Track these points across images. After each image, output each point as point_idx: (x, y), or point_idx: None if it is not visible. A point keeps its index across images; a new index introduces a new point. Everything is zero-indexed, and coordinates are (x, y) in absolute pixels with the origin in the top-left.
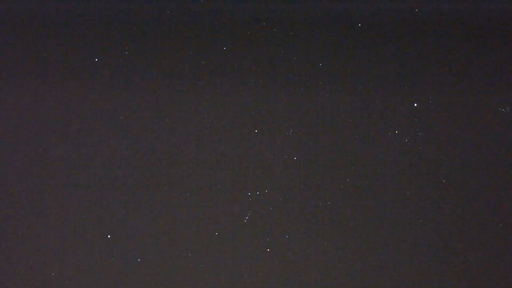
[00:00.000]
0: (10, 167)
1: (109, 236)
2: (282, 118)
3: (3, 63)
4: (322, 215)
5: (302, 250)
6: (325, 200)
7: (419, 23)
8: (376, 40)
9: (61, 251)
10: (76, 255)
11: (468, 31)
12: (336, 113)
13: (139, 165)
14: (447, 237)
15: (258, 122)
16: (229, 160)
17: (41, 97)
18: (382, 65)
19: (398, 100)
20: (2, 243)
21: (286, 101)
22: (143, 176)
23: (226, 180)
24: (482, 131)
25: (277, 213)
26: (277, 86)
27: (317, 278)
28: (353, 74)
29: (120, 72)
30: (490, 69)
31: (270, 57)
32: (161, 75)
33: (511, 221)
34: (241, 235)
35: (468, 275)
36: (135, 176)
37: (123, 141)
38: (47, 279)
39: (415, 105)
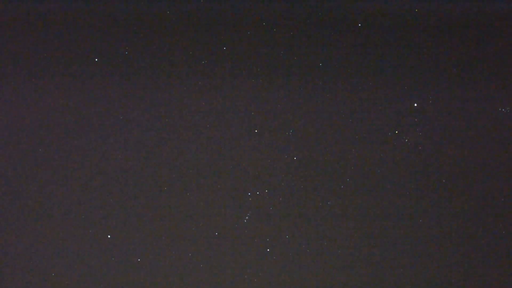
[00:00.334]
0: (10, 167)
1: (109, 236)
2: (282, 118)
3: (3, 63)
4: (322, 215)
5: (302, 250)
6: (325, 200)
7: (419, 23)
8: (376, 40)
9: (61, 251)
10: (76, 255)
11: (468, 31)
12: (336, 113)
13: (139, 165)
14: (447, 237)
15: (258, 122)
16: (229, 160)
17: (41, 97)
18: (382, 65)
19: (398, 100)
20: (2, 243)
21: (286, 101)
22: (143, 176)
23: (226, 180)
24: (482, 131)
25: (277, 213)
26: (277, 86)
27: (317, 278)
28: (353, 74)
29: (120, 72)
30: (490, 69)
31: (270, 57)
32: (161, 75)
33: (511, 221)
34: (241, 235)
35: (468, 275)
36: (135, 176)
37: (123, 141)
38: (47, 279)
39: (415, 105)
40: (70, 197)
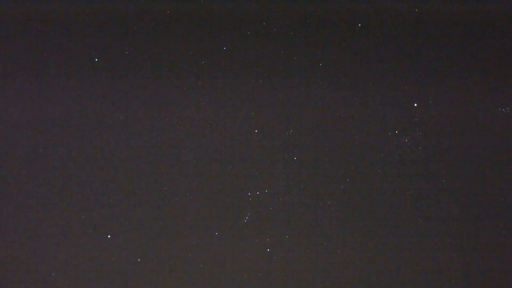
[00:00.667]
0: (10, 167)
1: (109, 236)
2: (282, 118)
3: (3, 63)
4: (322, 215)
5: (302, 250)
6: (325, 200)
7: (419, 23)
8: (376, 40)
9: (61, 251)
10: (76, 255)
11: (468, 31)
12: (336, 113)
13: (139, 165)
14: (447, 237)
15: (258, 122)
16: (229, 160)
17: (41, 97)
18: (382, 65)
19: (398, 100)
20: (2, 243)
21: (286, 101)
22: (143, 176)
23: (226, 180)
24: (482, 131)
25: (277, 213)
26: (277, 85)
27: (317, 278)
28: (353, 74)
29: (120, 72)
30: (490, 69)
31: (270, 57)
32: (161, 75)
33: (511, 221)
34: (241, 235)
35: (468, 275)
36: (135, 176)
37: (123, 141)
38: (47, 279)
39: (415, 105)
40: (70, 197)
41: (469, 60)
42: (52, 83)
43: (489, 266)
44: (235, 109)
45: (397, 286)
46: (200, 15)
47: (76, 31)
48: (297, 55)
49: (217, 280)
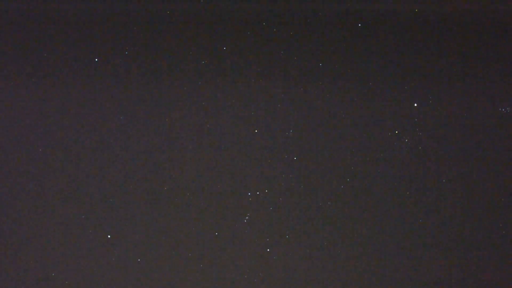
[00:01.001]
0: (10, 167)
1: (109, 236)
2: (282, 118)
3: (3, 63)
4: (322, 215)
5: (302, 250)
6: (325, 200)
7: (419, 23)
8: (376, 40)
9: (61, 251)
10: (76, 255)
11: (468, 31)
12: (336, 113)
13: (139, 165)
14: (447, 237)
15: (258, 122)
16: (229, 160)
17: (41, 97)
18: (382, 65)
19: (398, 100)
20: (2, 243)
21: (286, 101)
22: (143, 176)
23: (226, 180)
24: (482, 131)
25: (277, 213)
26: (277, 85)
27: (317, 278)
28: (353, 74)
29: (120, 72)
30: (490, 69)
31: (270, 57)
32: (161, 75)
33: (511, 221)
34: (241, 235)
35: (468, 275)
36: (135, 176)
37: (123, 141)
38: (47, 279)
39: (415, 105)
40: (70, 197)
41: (469, 60)
42: (52, 83)
43: (489, 266)
44: (235, 109)
45: (397, 286)
46: (200, 15)
47: (76, 31)
48: (297, 55)
49: (217, 280)
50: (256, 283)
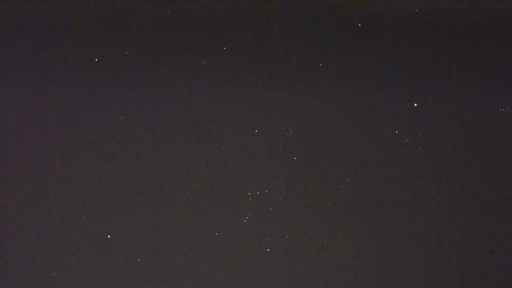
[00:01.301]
0: (10, 167)
1: (109, 236)
2: (282, 118)
3: (3, 63)
4: (322, 215)
5: (302, 250)
6: (325, 200)
7: (419, 23)
8: (376, 40)
9: (61, 251)
10: (76, 255)
11: (468, 31)
12: (336, 113)
13: (139, 165)
14: (447, 237)
15: (258, 122)
16: (229, 160)
17: (41, 97)
18: (382, 65)
19: (398, 100)
20: (2, 243)
21: (286, 101)
22: (143, 176)
23: (226, 180)
24: (482, 131)
25: (277, 213)
26: (277, 85)
27: (317, 278)
28: (353, 74)
29: (120, 72)
30: (490, 69)
31: (270, 57)
32: (161, 75)
33: (511, 221)
34: (241, 235)
35: (468, 275)
36: (135, 176)
37: (123, 141)
38: (47, 279)
39: (415, 105)
40: (70, 197)
41: (469, 60)
42: (52, 83)
43: (489, 266)
44: (235, 109)
45: (397, 286)
46: (200, 15)
47: (76, 31)
48: (297, 55)
49: (217, 280)
50: (256, 283)
